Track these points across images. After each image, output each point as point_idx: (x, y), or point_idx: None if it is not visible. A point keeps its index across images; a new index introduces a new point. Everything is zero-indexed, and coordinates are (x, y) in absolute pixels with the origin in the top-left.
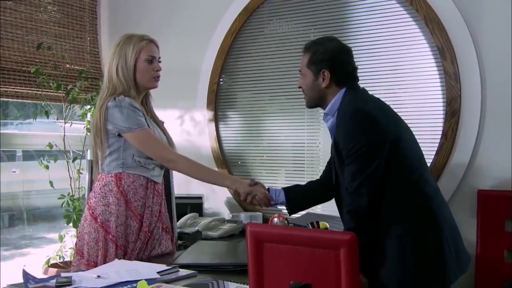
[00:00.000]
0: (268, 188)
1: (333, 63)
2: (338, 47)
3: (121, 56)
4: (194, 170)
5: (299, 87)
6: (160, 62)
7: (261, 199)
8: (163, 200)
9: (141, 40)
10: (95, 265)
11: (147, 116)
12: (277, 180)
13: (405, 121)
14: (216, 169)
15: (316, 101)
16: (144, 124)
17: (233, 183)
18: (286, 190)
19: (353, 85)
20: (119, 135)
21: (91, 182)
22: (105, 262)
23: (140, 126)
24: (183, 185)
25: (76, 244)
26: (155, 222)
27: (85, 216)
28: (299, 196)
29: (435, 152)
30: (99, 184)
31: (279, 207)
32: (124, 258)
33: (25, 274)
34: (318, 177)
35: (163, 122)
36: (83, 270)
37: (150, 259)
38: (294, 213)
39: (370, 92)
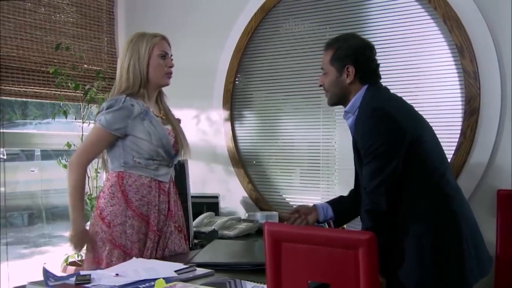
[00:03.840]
0: (314, 205)
1: (357, 58)
2: (362, 43)
3: (134, 52)
4: (74, 188)
5: (320, 85)
6: (172, 59)
7: (311, 224)
8: (172, 198)
9: (154, 36)
10: (100, 263)
11: (155, 114)
12: (292, 180)
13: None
14: (232, 168)
15: (338, 98)
16: (103, 123)
17: (73, 230)
18: (333, 203)
19: (376, 83)
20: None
21: None
22: (107, 262)
23: (99, 122)
24: (199, 184)
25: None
26: (164, 221)
27: (94, 216)
28: (346, 208)
29: (453, 151)
30: (108, 184)
31: (295, 206)
32: (125, 258)
33: (46, 272)
34: (333, 177)
35: (179, 121)
36: (95, 268)
37: (165, 258)
38: (340, 226)
39: None
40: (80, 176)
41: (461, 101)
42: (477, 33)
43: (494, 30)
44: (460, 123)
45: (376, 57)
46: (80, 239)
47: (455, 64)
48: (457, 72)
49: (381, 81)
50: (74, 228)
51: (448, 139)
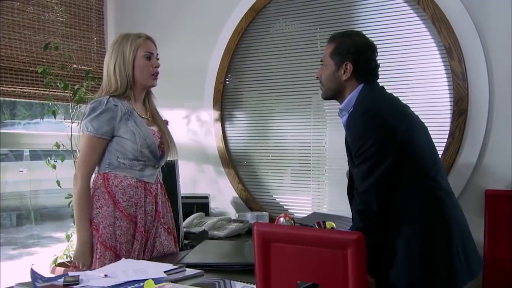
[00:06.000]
0: None
1: (358, 56)
2: (366, 42)
3: (119, 54)
4: (76, 199)
5: (317, 77)
6: (158, 59)
7: None
8: (160, 199)
9: (138, 37)
10: (93, 267)
11: (141, 115)
12: (283, 180)
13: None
14: (222, 169)
15: (332, 93)
16: (91, 130)
17: (78, 240)
18: None
19: (372, 82)
20: None
21: None
22: (100, 265)
23: (87, 129)
24: (189, 184)
25: None
26: (151, 222)
27: None
28: None
29: (442, 151)
30: (93, 187)
31: (285, 206)
32: (116, 260)
33: (33, 273)
34: (324, 177)
35: (167, 122)
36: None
37: (153, 259)
38: None
39: None
40: (83, 188)
41: (450, 102)
42: (465, 34)
43: (482, 31)
44: (448, 124)
45: (376, 58)
46: (85, 251)
47: (443, 65)
48: (446, 73)
49: None
50: (79, 238)
51: (437, 139)
